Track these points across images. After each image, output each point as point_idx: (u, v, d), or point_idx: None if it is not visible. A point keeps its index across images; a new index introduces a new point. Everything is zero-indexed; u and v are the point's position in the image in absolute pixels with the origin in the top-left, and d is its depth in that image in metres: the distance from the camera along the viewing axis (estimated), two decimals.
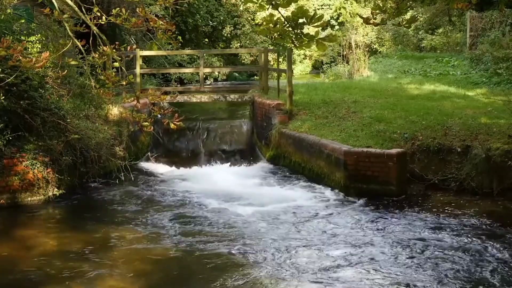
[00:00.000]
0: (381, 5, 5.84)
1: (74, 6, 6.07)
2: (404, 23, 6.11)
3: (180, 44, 23.07)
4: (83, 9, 6.11)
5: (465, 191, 9.18)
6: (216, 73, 29.13)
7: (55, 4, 6.70)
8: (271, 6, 4.61)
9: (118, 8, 5.79)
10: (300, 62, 34.70)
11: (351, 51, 22.08)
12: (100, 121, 11.47)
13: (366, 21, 5.76)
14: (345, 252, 6.98)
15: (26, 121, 9.56)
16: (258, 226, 8.11)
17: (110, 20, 5.77)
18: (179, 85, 23.86)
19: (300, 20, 4.56)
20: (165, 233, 7.90)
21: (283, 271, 6.43)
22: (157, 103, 6.24)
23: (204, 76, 18.75)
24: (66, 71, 8.41)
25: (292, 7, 4.98)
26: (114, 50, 5.97)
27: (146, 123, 5.87)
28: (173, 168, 12.48)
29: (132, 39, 21.38)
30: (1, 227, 8.42)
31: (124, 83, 6.23)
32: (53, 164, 9.63)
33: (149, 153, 12.95)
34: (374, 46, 27.90)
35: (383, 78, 18.74)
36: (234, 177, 11.35)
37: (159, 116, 7.81)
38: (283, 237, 7.61)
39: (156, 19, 5.94)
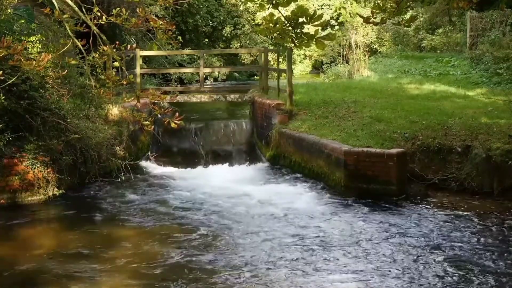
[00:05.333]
0: (381, 5, 5.84)
1: (74, 6, 6.07)
2: (404, 22, 6.12)
3: (180, 44, 23.15)
4: (83, 9, 6.12)
5: (465, 191, 9.18)
6: (216, 73, 29.15)
7: (55, 4, 6.71)
8: (271, 6, 4.61)
9: (118, 8, 5.79)
10: (300, 62, 34.71)
11: (351, 51, 22.09)
12: (100, 121, 11.46)
13: (366, 20, 5.76)
14: (344, 252, 6.98)
15: (26, 121, 9.57)
16: (256, 226, 8.10)
17: (110, 20, 5.78)
18: (179, 85, 23.88)
19: (300, 20, 4.56)
20: (165, 233, 7.90)
21: (280, 272, 6.43)
22: (157, 103, 6.24)
23: (204, 76, 18.75)
24: (66, 71, 8.40)
25: (292, 6, 4.99)
26: (114, 50, 5.98)
27: (147, 122, 5.88)
28: (173, 167, 12.48)
29: (132, 39, 21.39)
30: (1, 227, 8.41)
31: (124, 83, 6.23)
32: (53, 164, 9.64)
33: (149, 153, 12.96)
34: (374, 46, 27.90)
35: (383, 78, 18.74)
36: (234, 176, 11.35)
37: (159, 116, 7.82)
38: (282, 237, 7.60)
39: (156, 19, 5.95)
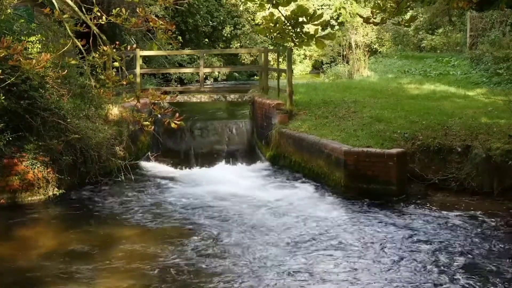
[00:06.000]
0: (381, 5, 5.84)
1: (74, 6, 6.07)
2: (404, 22, 6.12)
3: (180, 44, 23.14)
4: (83, 9, 6.11)
5: (465, 191, 9.17)
6: (216, 73, 29.15)
7: (55, 4, 6.71)
8: (271, 5, 4.61)
9: (118, 8, 5.79)
10: (300, 62, 34.71)
11: (351, 51, 22.09)
12: (100, 121, 11.47)
13: (366, 20, 5.76)
14: (344, 252, 6.98)
15: (26, 121, 9.57)
16: (256, 229, 8.08)
17: (110, 20, 5.78)
18: (179, 85, 23.88)
19: (300, 19, 4.56)
20: (165, 234, 7.90)
21: (280, 272, 6.43)
22: (157, 103, 6.24)
23: (204, 76, 18.75)
24: (66, 71, 8.40)
25: (292, 6, 4.99)
26: (114, 50, 5.97)
27: (147, 122, 5.88)
28: (173, 167, 12.49)
29: (132, 39, 21.39)
30: (1, 227, 8.41)
31: (124, 83, 6.22)
32: (53, 164, 9.64)
33: (149, 153, 12.96)
34: (374, 46, 27.90)
35: (383, 78, 18.74)
36: (234, 176, 11.35)
37: (159, 116, 7.83)
38: (282, 237, 7.60)
39: (156, 19, 5.94)
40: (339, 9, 33.79)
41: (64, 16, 6.11)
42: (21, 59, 4.92)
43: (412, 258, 6.71)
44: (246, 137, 14.09)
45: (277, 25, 4.60)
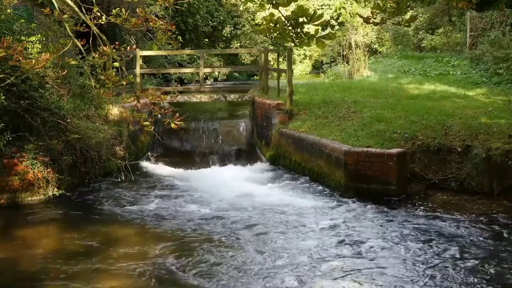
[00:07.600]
0: (381, 5, 5.85)
1: (74, 6, 6.07)
2: (404, 22, 6.13)
3: (180, 44, 23.07)
4: (83, 9, 6.11)
5: (465, 190, 9.16)
6: (216, 73, 29.15)
7: (55, 4, 6.71)
8: (271, 6, 4.62)
9: (118, 8, 5.79)
10: (300, 62, 34.71)
11: (351, 51, 22.09)
12: (100, 121, 11.47)
13: (366, 20, 5.77)
14: (344, 252, 6.98)
15: (26, 121, 9.57)
16: (256, 226, 8.10)
17: (110, 20, 5.78)
18: (179, 85, 23.89)
19: (300, 19, 4.57)
20: (165, 233, 7.90)
21: (280, 272, 6.43)
22: (157, 103, 6.24)
23: (204, 76, 18.74)
24: (66, 71, 8.40)
25: (292, 6, 5.00)
26: (114, 50, 5.98)
27: (147, 122, 5.89)
28: (173, 168, 12.48)
29: (132, 39, 21.40)
30: (1, 227, 8.42)
31: (124, 83, 6.22)
32: (53, 164, 9.64)
33: (149, 153, 12.96)
34: (374, 46, 27.90)
35: (383, 78, 18.73)
36: (234, 177, 11.34)
37: (159, 116, 7.83)
38: (281, 237, 7.60)
39: (156, 19, 5.95)
40: (339, 9, 33.79)
41: (64, 16, 6.11)
42: (21, 59, 4.92)
43: (410, 258, 6.71)
44: (246, 137, 14.09)
45: (277, 25, 4.61)
